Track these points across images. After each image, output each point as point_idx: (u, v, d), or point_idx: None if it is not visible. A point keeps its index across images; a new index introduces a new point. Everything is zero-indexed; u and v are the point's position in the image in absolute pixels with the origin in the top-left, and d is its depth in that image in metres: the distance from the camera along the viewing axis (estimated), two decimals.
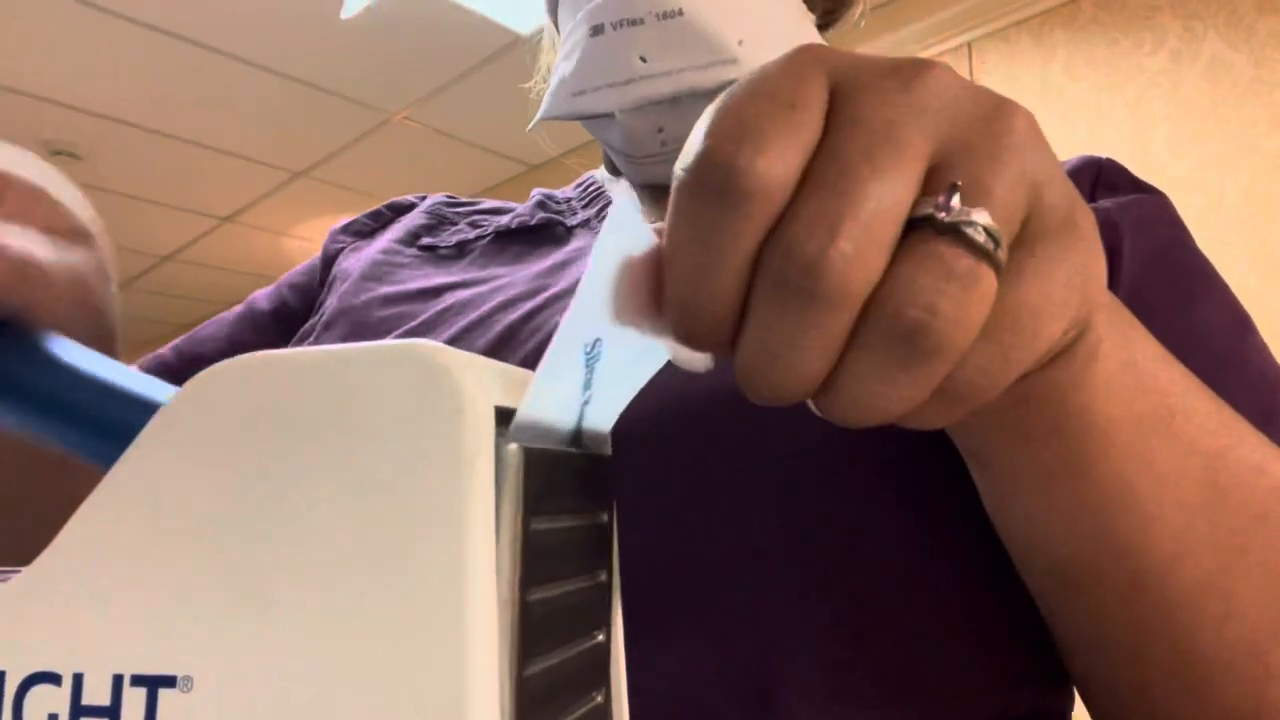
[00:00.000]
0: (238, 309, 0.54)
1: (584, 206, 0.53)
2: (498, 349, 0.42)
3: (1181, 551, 0.28)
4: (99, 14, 2.11)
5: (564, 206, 0.53)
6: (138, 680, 0.17)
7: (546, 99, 0.44)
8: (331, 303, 0.50)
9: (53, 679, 0.17)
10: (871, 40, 2.12)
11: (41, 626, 0.18)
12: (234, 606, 0.16)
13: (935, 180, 0.18)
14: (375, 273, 0.50)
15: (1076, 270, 0.19)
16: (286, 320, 0.53)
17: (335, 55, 2.35)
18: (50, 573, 0.18)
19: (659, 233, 0.20)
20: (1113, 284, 0.39)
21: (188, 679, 0.16)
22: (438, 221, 0.55)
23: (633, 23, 0.40)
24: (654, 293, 0.19)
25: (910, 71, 0.19)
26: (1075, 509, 0.27)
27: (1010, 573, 0.33)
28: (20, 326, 0.24)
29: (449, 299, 0.47)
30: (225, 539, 0.17)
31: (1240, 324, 0.39)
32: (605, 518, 0.21)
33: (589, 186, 0.54)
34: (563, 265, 0.47)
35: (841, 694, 0.33)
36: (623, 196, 0.15)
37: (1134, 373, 0.26)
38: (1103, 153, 0.45)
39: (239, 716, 0.16)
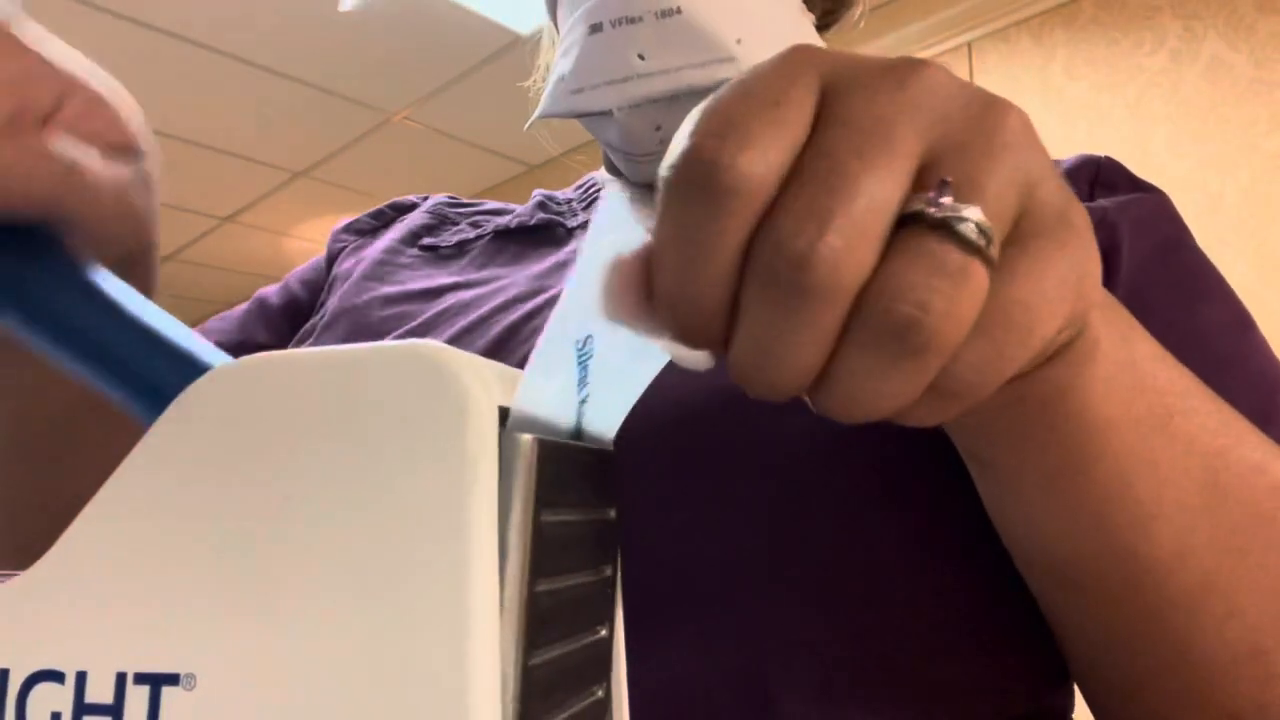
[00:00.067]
0: (245, 305, 0.54)
1: (584, 208, 0.53)
2: (497, 350, 0.42)
3: (1182, 551, 0.28)
4: (99, 14, 2.10)
5: (564, 208, 0.53)
6: (141, 678, 0.17)
7: (545, 96, 0.44)
8: (332, 303, 0.50)
9: (56, 677, 0.17)
10: (871, 40, 2.12)
11: (44, 625, 0.18)
12: (238, 604, 0.16)
13: (927, 177, 0.18)
14: (376, 273, 0.50)
15: (1071, 268, 0.19)
16: (296, 315, 0.53)
17: (335, 55, 2.35)
18: (54, 571, 0.18)
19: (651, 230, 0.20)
20: (1112, 283, 0.39)
21: (191, 677, 0.16)
22: (439, 221, 0.55)
23: (631, 21, 0.40)
24: (646, 291, 0.19)
25: (903, 70, 0.19)
26: (1074, 509, 0.27)
27: (1010, 572, 0.33)
28: (59, 241, 0.24)
29: (448, 299, 0.47)
30: (229, 537, 0.17)
31: (1241, 323, 0.39)
32: (613, 514, 0.21)
33: (589, 188, 0.54)
34: (562, 266, 0.47)
35: (841, 694, 0.33)
36: (611, 194, 0.16)
37: (1132, 372, 0.26)
38: (1102, 152, 0.45)
39: (243, 713, 0.16)
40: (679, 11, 0.40)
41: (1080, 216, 0.20)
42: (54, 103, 0.25)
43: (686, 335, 0.19)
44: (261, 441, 0.17)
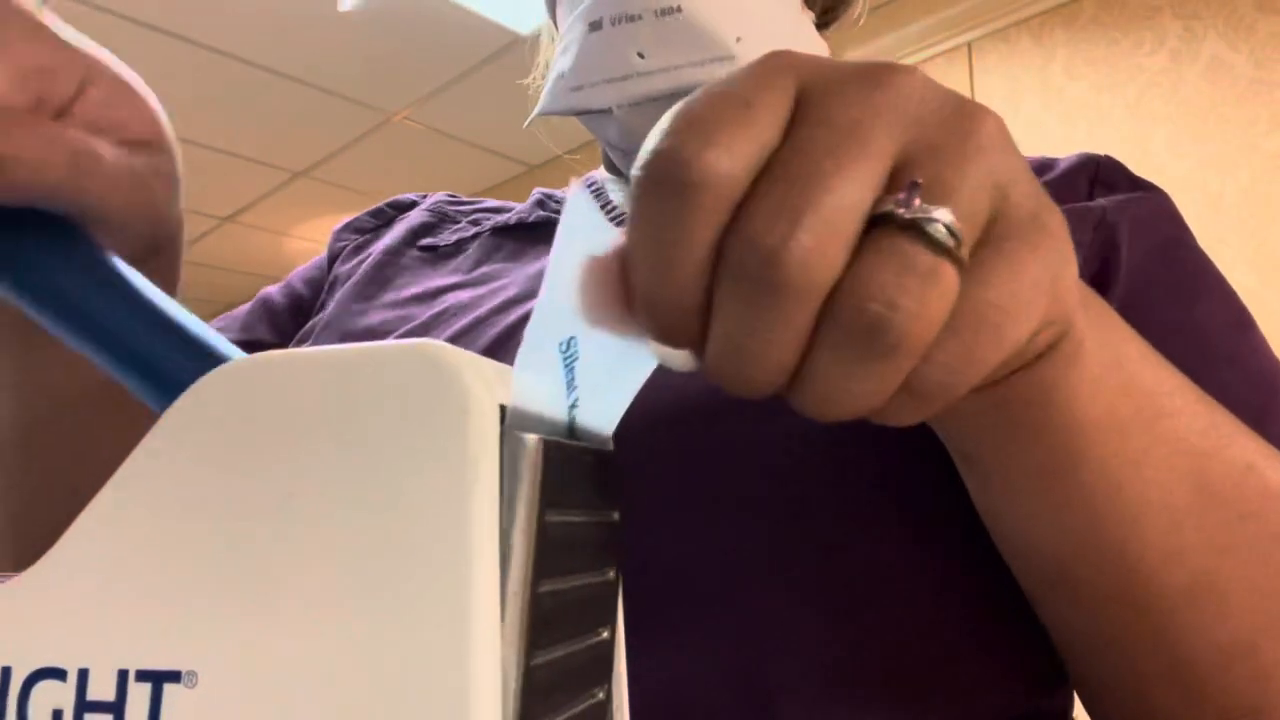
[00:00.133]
0: (248, 305, 0.54)
1: None
2: (495, 351, 0.42)
3: (1171, 551, 0.28)
4: (99, 14, 2.11)
5: (563, 206, 0.53)
6: (143, 675, 0.17)
7: (544, 94, 0.44)
8: (331, 305, 0.50)
9: (58, 675, 0.17)
10: (871, 40, 2.12)
11: (46, 622, 0.18)
12: (239, 602, 0.16)
13: (900, 179, 0.19)
14: (375, 277, 0.50)
15: (1044, 270, 0.19)
16: (300, 314, 0.53)
17: (335, 55, 2.35)
18: (56, 569, 0.18)
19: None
20: (1112, 282, 0.39)
21: (192, 674, 0.16)
22: (439, 220, 0.55)
23: (631, 19, 0.40)
24: (622, 292, 0.19)
25: (879, 74, 0.19)
26: (1063, 509, 0.27)
27: (1010, 573, 0.33)
28: (80, 230, 0.24)
29: (447, 300, 0.47)
30: (231, 535, 0.17)
31: (1240, 322, 0.39)
32: (616, 517, 0.21)
33: (589, 187, 0.54)
34: None
35: (840, 694, 0.33)
36: (577, 194, 0.16)
37: (1118, 373, 0.26)
38: (1102, 152, 0.45)
39: (244, 711, 0.16)
40: (679, 9, 0.40)
41: (1054, 219, 0.20)
42: (76, 91, 0.25)
43: (664, 335, 0.19)
44: (263, 440, 0.17)
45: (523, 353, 0.18)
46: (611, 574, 0.21)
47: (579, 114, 0.44)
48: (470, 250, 0.52)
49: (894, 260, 0.17)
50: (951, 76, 2.02)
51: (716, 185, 0.18)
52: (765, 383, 0.19)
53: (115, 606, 0.17)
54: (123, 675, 0.17)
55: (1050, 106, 1.90)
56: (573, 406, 0.20)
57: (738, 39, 0.40)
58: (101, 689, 0.17)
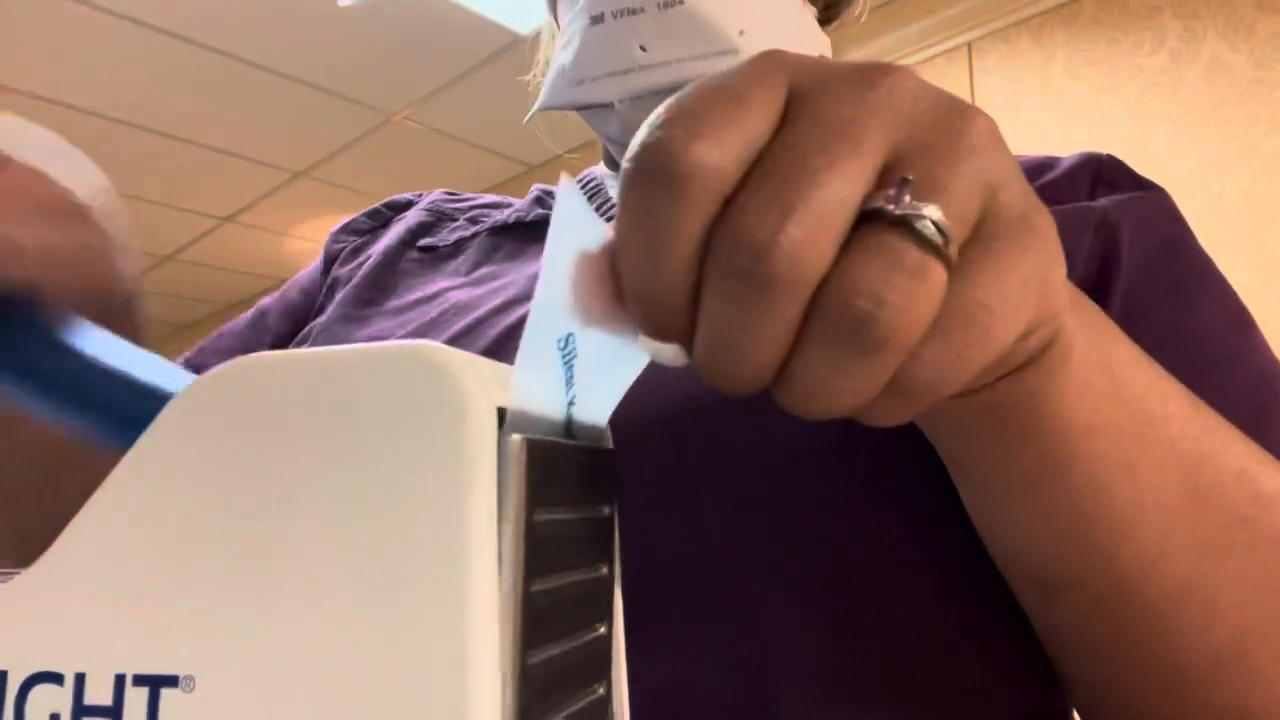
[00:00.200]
0: (247, 317, 0.54)
1: None
2: (495, 352, 0.42)
3: (1161, 555, 0.28)
4: (99, 14, 2.10)
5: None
6: (140, 680, 0.17)
7: (545, 88, 0.44)
8: (331, 307, 0.50)
9: (55, 679, 0.17)
10: (871, 40, 2.12)
11: (44, 626, 0.18)
12: (236, 605, 0.16)
13: (890, 177, 0.19)
14: (375, 282, 0.50)
15: (1033, 270, 0.19)
16: (296, 325, 0.53)
17: (335, 55, 2.35)
18: (53, 572, 0.18)
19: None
20: (1112, 282, 0.39)
21: (190, 678, 0.16)
22: (437, 219, 0.55)
23: (633, 12, 0.40)
24: (613, 287, 0.19)
25: (872, 74, 0.19)
26: (1053, 513, 0.27)
27: None
28: (32, 307, 0.25)
29: (446, 301, 0.47)
30: (228, 539, 0.17)
31: (1240, 322, 0.39)
32: (607, 511, 0.21)
33: (588, 184, 0.54)
34: None
35: (840, 695, 0.33)
36: (567, 190, 0.15)
37: (1109, 377, 0.26)
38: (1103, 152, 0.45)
39: (242, 715, 0.16)
40: (681, 2, 0.39)
41: (1044, 220, 0.20)
42: None
43: (655, 330, 0.19)
44: (259, 442, 0.17)
45: (522, 352, 0.18)
46: (605, 570, 0.21)
47: (580, 108, 0.44)
48: (469, 250, 0.52)
49: (882, 256, 0.17)
50: (951, 76, 2.02)
51: (704, 177, 0.18)
52: (752, 378, 0.19)
53: (112, 610, 0.17)
54: (120, 679, 0.17)
55: (1050, 106, 1.90)
56: (570, 404, 0.20)
57: (740, 32, 0.40)
58: (99, 693, 0.17)
